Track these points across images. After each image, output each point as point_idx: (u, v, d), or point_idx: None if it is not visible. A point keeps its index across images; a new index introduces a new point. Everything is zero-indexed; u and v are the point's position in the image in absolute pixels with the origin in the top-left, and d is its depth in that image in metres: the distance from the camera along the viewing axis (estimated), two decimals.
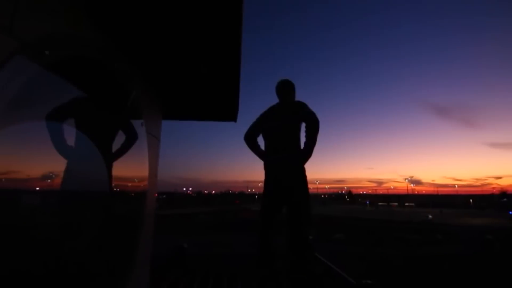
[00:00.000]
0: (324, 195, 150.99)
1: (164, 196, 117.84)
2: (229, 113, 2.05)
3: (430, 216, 61.18)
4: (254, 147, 2.83)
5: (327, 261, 2.42)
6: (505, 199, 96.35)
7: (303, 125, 2.55)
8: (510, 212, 59.71)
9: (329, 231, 40.04)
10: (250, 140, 2.84)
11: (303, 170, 2.49)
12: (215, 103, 2.01)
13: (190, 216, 58.72)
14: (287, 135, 2.54)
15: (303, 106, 2.57)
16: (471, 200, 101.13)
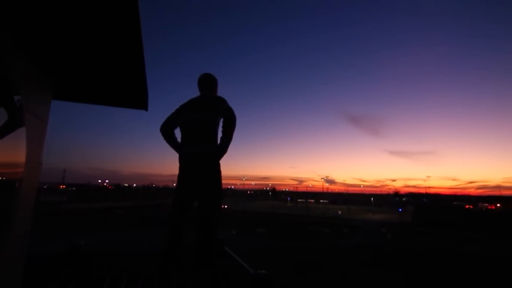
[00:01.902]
0: (250, 191, 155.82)
1: (73, 188, 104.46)
2: (138, 101, 1.89)
3: (339, 212, 69.09)
4: (170, 139, 2.72)
5: (234, 254, 2.47)
6: (397, 198, 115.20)
7: (222, 120, 2.55)
8: (400, 209, 71.68)
9: (252, 226, 41.70)
10: (166, 131, 2.72)
11: (218, 166, 2.49)
12: (119, 87, 1.83)
13: (103, 211, 53.34)
14: (204, 129, 2.50)
15: (222, 101, 2.57)
16: (372, 199, 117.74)
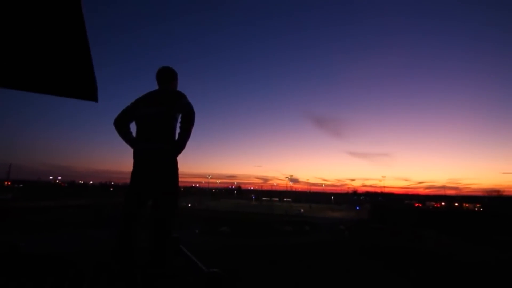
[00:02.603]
0: (215, 189, 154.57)
1: (20, 185, 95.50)
2: (87, 91, 1.77)
3: (302, 210, 71.24)
4: (124, 133, 2.60)
5: (190, 253, 2.44)
6: (355, 197, 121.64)
7: (180, 116, 2.50)
8: (357, 207, 75.74)
9: (216, 224, 41.35)
10: (120, 125, 2.60)
11: (175, 162, 2.43)
12: (65, 76, 1.70)
13: (54, 209, 49.34)
14: (161, 124, 2.43)
15: (181, 96, 2.51)
16: (332, 197, 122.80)
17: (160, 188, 2.34)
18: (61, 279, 2.08)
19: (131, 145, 2.53)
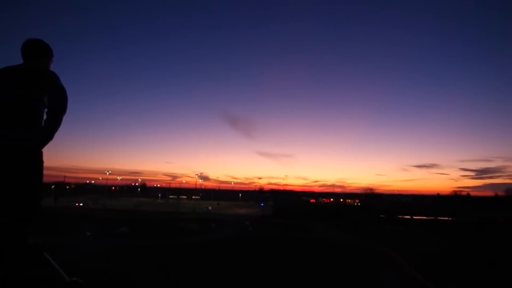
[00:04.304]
0: (115, 187, 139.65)
1: None
2: None
3: (209, 208, 71.28)
4: None
5: (53, 261, 2.09)
6: (261, 194, 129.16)
7: (48, 100, 2.13)
8: (262, 204, 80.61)
9: (114, 225, 37.38)
10: None
11: (39, 155, 2.06)
12: None
13: None
14: (22, 108, 2.02)
15: (52, 76, 2.15)
16: (240, 195, 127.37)
17: (16, 185, 1.95)
18: None
19: None
